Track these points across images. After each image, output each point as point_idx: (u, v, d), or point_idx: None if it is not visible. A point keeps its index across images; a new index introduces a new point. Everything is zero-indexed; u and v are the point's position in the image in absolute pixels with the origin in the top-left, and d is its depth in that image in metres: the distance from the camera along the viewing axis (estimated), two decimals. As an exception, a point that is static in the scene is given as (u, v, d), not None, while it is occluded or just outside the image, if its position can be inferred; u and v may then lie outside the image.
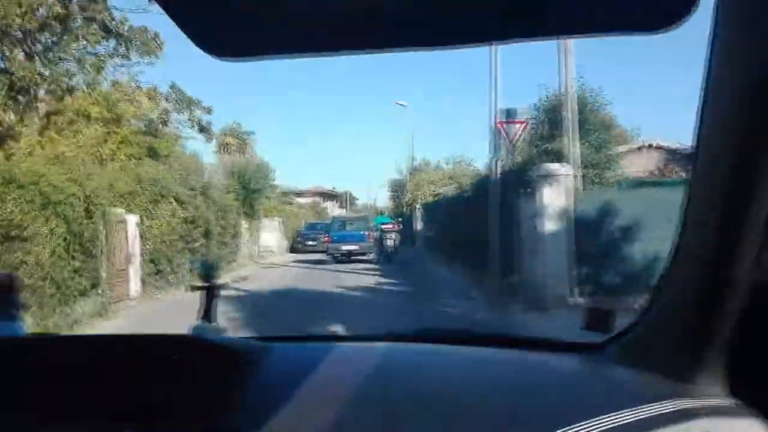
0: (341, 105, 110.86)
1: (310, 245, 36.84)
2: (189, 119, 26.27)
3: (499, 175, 15.59)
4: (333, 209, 73.47)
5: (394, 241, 28.19)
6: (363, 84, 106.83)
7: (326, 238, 29.85)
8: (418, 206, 39.30)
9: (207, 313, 2.15)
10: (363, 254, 28.15)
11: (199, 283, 2.20)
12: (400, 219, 36.25)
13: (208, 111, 27.01)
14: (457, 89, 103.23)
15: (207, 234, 20.32)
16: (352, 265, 25.92)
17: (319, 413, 1.35)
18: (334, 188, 72.98)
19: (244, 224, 29.09)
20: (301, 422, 1.34)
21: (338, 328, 10.41)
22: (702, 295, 1.30)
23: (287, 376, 1.51)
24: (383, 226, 29.13)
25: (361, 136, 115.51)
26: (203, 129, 26.98)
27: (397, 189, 51.24)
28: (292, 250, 38.38)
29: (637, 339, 1.53)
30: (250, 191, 30.99)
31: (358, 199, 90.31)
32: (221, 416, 1.37)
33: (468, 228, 19.51)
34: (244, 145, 45.59)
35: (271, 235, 35.13)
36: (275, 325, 11.33)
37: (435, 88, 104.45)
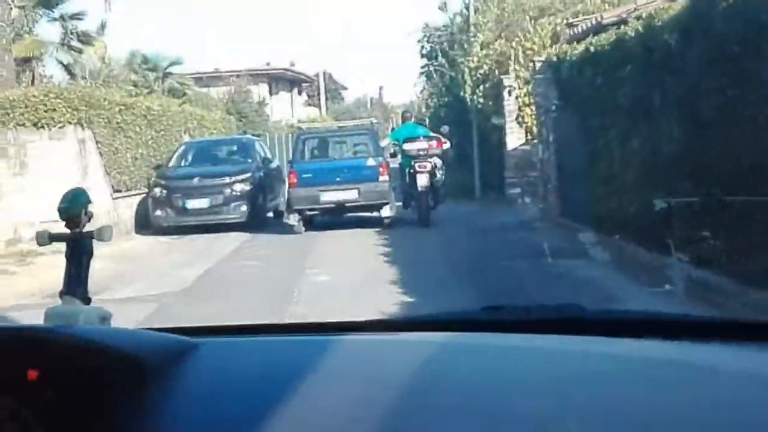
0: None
1: (195, 211, 15.74)
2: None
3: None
4: (292, 110, 47.56)
5: (435, 177, 14.50)
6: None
7: (290, 177, 14.82)
8: (513, 83, 17.53)
9: (74, 282, 1.43)
10: (370, 208, 14.58)
11: (58, 230, 1.46)
12: (447, 130, 17.44)
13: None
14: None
15: None
16: (348, 235, 13.91)
17: None
18: (292, 65, 45.86)
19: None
20: None
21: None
22: None
23: (222, 397, 1.12)
24: (411, 147, 14.51)
25: None
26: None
27: (442, 43, 28.06)
28: (144, 225, 16.07)
29: None
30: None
31: (346, 89, 60.48)
32: None
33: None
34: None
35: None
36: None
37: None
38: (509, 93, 18.10)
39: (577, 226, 11.60)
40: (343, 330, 1.55)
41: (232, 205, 15.49)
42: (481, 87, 19.04)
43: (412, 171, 14.52)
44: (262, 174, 16.45)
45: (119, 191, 15.77)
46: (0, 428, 1.09)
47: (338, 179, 14.51)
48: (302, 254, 12.39)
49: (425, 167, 14.36)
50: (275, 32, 78.75)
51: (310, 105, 51.50)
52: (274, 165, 18.22)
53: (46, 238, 1.56)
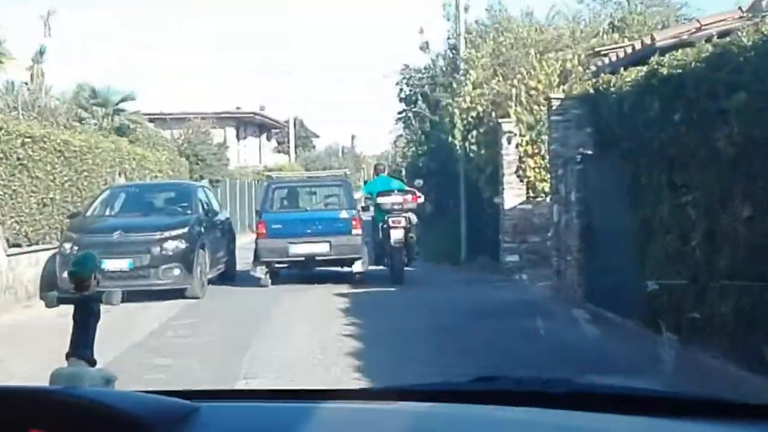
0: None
1: (112, 274, 12.04)
2: None
3: None
4: (260, 156, 44.32)
5: (409, 233, 14.01)
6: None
7: (259, 227, 14.33)
8: (514, 128, 15.25)
9: (80, 345, 1.05)
10: (341, 263, 14.19)
11: (69, 294, 1.27)
12: (421, 183, 16.73)
13: None
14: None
15: None
16: (312, 296, 12.78)
17: None
18: (262, 109, 42.75)
19: None
20: None
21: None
22: None
23: None
24: (385, 200, 14.15)
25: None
26: None
27: (423, 86, 25.75)
28: (54, 288, 11.31)
29: None
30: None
31: (318, 137, 57.85)
32: None
33: None
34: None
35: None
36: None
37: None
38: (508, 140, 15.11)
39: (618, 321, 8.47)
40: (337, 398, 1.60)
41: (162, 267, 12.14)
42: (474, 133, 15.99)
43: (385, 226, 13.91)
44: (203, 228, 13.20)
45: (17, 245, 12.41)
46: None
47: (309, 231, 13.93)
48: (252, 325, 10.11)
49: (400, 222, 13.84)
50: (246, 74, 75.84)
51: (279, 152, 48.84)
52: (221, 217, 14.95)
53: (54, 301, 2.18)
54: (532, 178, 14.98)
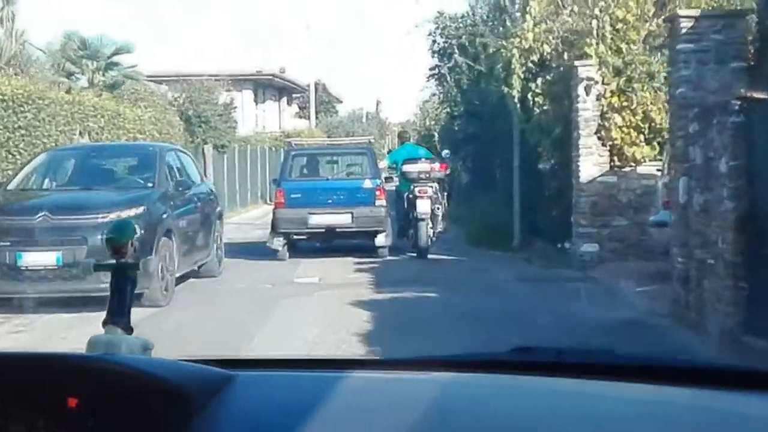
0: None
1: (33, 274, 8.50)
2: None
3: None
4: (279, 121, 40.69)
5: (436, 204, 13.26)
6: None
7: (277, 196, 13.72)
8: (595, 74, 11.22)
9: (117, 312, 1.52)
10: (363, 235, 13.48)
11: (106, 260, 1.64)
12: (448, 154, 17.12)
13: None
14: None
15: None
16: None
17: None
18: (282, 71, 38.61)
19: None
20: None
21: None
22: None
23: (262, 430, 1.17)
24: (411, 168, 13.38)
25: None
26: None
27: (460, 37, 21.79)
28: None
29: None
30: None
31: (341, 102, 54.45)
32: None
33: None
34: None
35: None
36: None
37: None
38: (587, 90, 11.26)
39: None
40: (375, 367, 1.59)
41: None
42: (538, 81, 12.11)
43: (411, 196, 13.27)
44: (170, 207, 9.51)
45: None
46: None
47: (330, 201, 13.48)
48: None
49: (426, 192, 13.10)
50: (268, 37, 71.78)
51: (300, 117, 45.98)
52: (202, 191, 11.19)
53: (91, 268, 2.24)
54: (618, 141, 11.14)
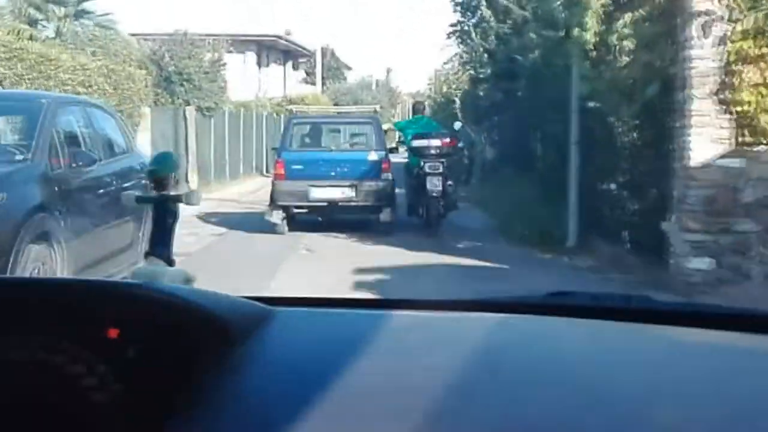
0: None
1: None
2: None
3: None
4: (284, 86, 37.81)
5: (448, 181, 12.88)
6: None
7: (277, 167, 13.54)
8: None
9: (159, 244, 1.54)
10: (368, 209, 13.17)
11: (148, 193, 1.24)
12: (460, 127, 16.63)
13: None
14: None
15: None
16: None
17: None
18: (288, 33, 35.90)
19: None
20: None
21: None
22: None
23: (302, 364, 1.14)
24: (422, 143, 12.99)
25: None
26: None
27: None
28: None
29: None
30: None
31: (350, 69, 52.34)
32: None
33: None
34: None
35: None
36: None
37: None
38: (703, 30, 7.57)
39: None
40: (412, 308, 1.56)
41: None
42: (626, 18, 8.40)
43: (421, 172, 12.70)
44: (58, 189, 5.91)
45: None
46: (77, 382, 1.08)
47: (333, 173, 13.16)
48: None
49: (437, 168, 12.56)
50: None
51: (307, 83, 43.74)
52: (123, 166, 7.48)
53: (133, 200, 2.11)
54: (751, 107, 7.49)
